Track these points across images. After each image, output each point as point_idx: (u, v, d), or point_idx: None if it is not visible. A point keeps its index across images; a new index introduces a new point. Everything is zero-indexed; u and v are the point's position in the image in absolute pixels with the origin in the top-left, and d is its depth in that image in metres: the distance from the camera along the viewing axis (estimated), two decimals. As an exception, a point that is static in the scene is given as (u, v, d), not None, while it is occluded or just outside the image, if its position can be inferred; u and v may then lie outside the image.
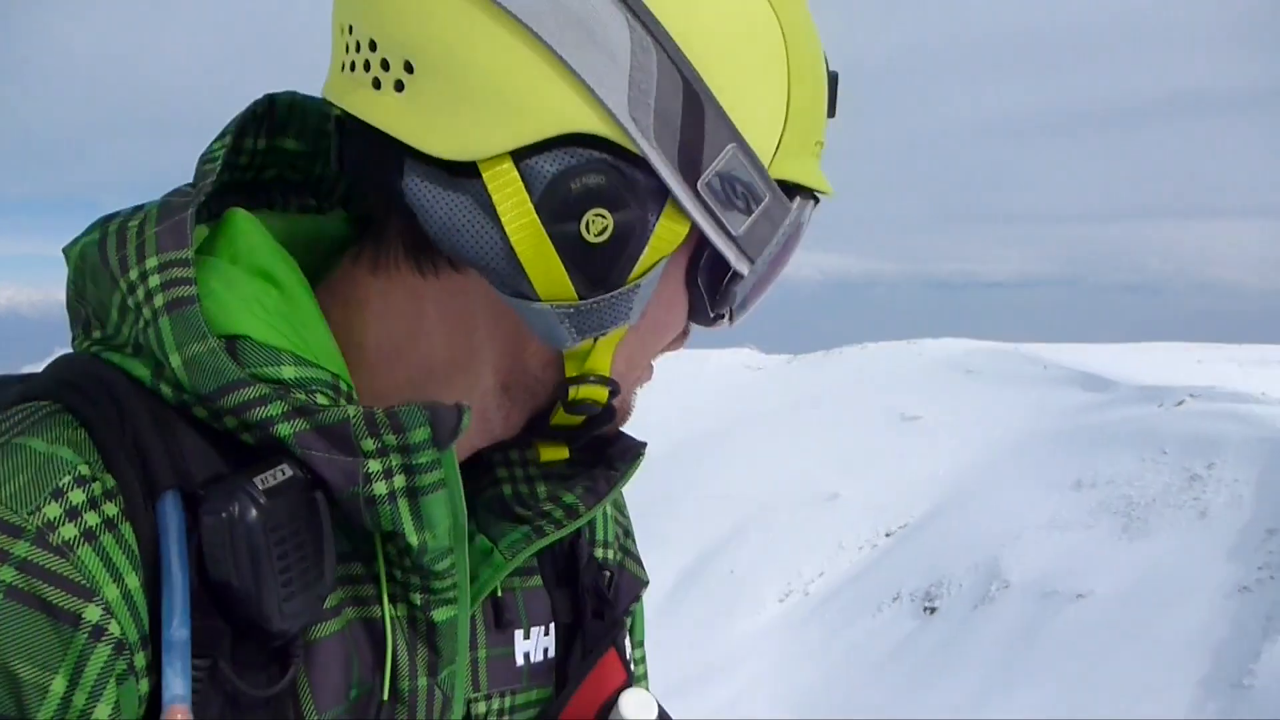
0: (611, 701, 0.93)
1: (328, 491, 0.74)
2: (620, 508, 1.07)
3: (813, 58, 0.82)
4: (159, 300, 0.73)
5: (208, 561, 0.70)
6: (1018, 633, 27.66)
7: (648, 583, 1.07)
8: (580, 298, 0.78)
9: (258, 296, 0.77)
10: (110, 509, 0.70)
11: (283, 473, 0.73)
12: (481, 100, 0.74)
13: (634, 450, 0.94)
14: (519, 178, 0.75)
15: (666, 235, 0.78)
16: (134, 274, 0.75)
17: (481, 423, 0.85)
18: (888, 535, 36.79)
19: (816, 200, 0.86)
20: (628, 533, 1.08)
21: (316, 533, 0.73)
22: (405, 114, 0.75)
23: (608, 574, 1.00)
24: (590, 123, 0.74)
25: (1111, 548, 29.24)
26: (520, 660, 0.92)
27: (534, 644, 0.93)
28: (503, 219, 0.75)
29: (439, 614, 0.80)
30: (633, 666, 0.99)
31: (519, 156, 0.75)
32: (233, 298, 0.76)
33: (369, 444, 0.74)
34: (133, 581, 0.69)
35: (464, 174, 0.75)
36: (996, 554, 31.01)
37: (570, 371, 0.83)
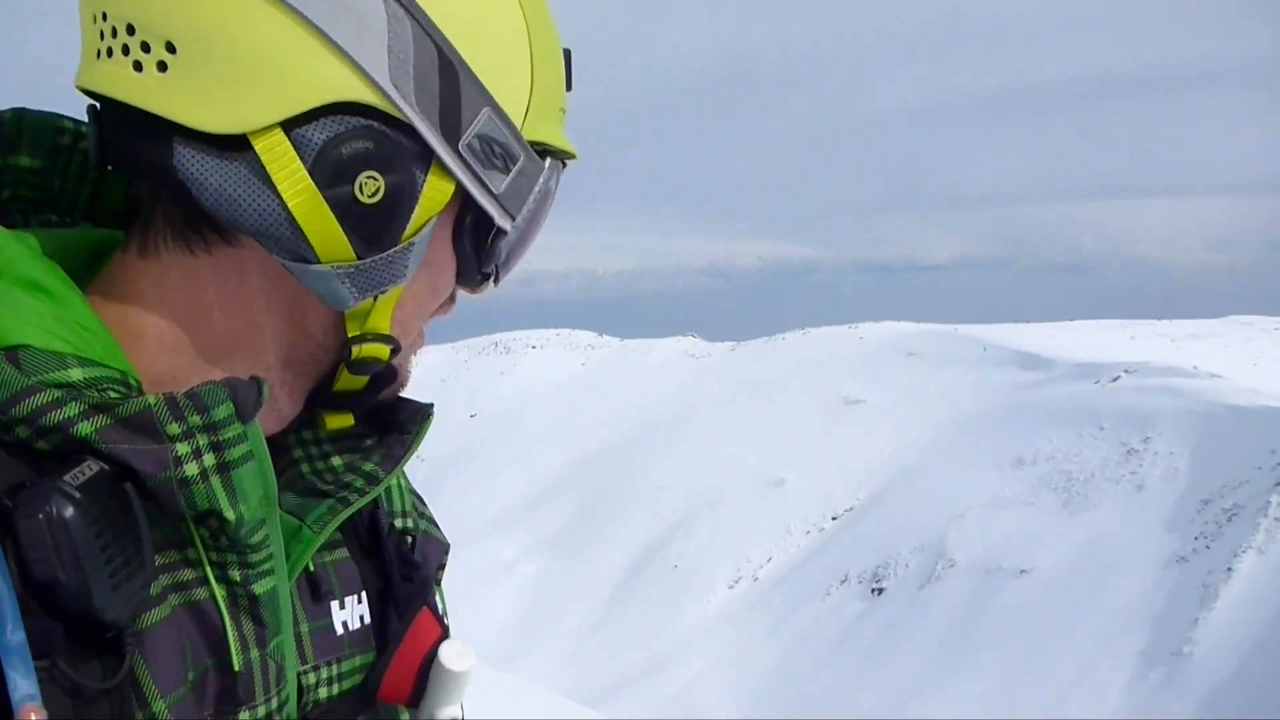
0: (432, 655, 0.96)
1: (137, 481, 0.74)
2: (405, 480, 1.12)
3: (549, 33, 0.88)
4: None
5: (31, 563, 0.68)
6: (964, 610, 28.06)
7: (449, 546, 1.12)
8: (359, 257, 0.80)
9: (29, 305, 0.76)
10: None
11: (90, 469, 0.72)
12: (247, 75, 0.75)
13: (422, 411, 0.96)
14: (291, 147, 0.76)
15: (434, 194, 0.81)
16: None
17: (268, 404, 0.85)
18: (834, 519, 37.14)
19: (564, 163, 0.91)
20: (421, 500, 1.12)
21: (132, 523, 0.73)
22: (171, 93, 0.76)
23: (410, 539, 1.04)
24: (355, 90, 0.77)
25: (1052, 523, 29.75)
26: (340, 629, 0.93)
27: (350, 613, 0.95)
28: (279, 186, 0.76)
29: (259, 586, 0.80)
30: (446, 622, 1.02)
31: (289, 126, 0.76)
32: (3, 310, 0.75)
33: (174, 428, 0.74)
34: None
35: (235, 147, 0.76)
36: (942, 534, 31.43)
37: (352, 331, 0.85)
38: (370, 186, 0.78)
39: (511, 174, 0.84)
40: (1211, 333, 47.42)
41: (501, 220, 0.85)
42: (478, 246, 0.87)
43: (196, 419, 0.74)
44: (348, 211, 0.78)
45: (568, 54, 0.92)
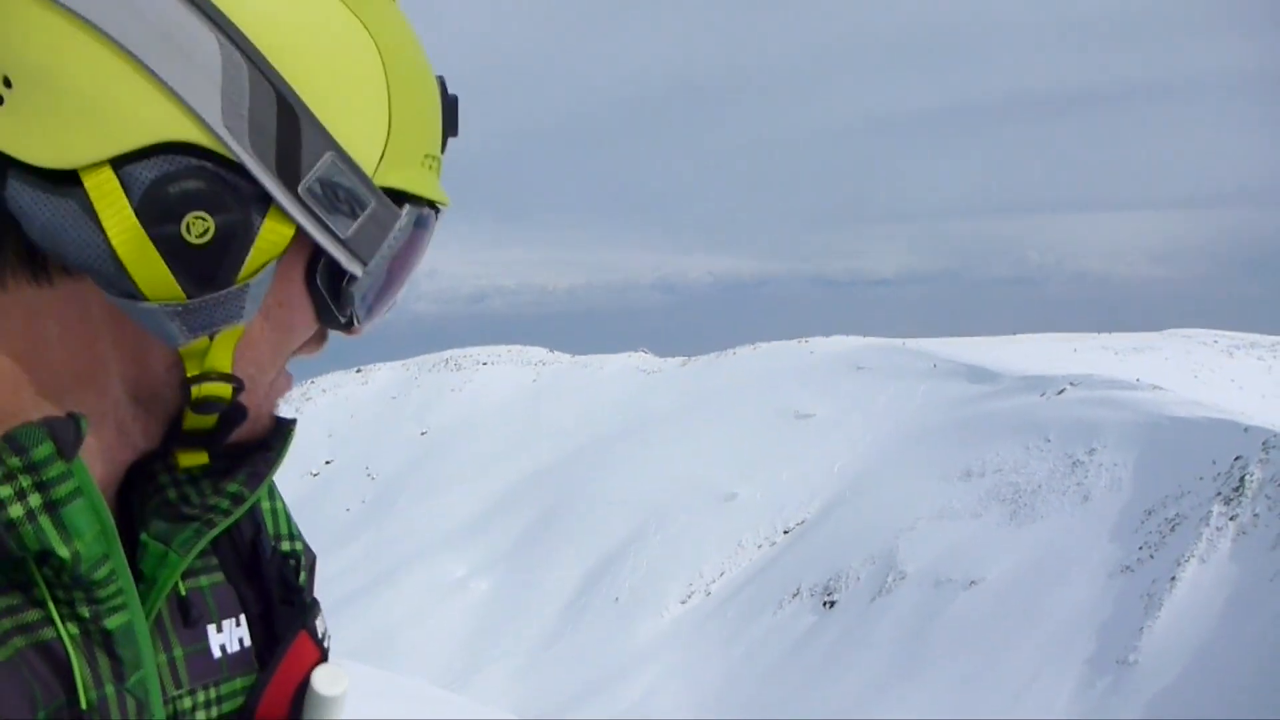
0: (308, 678, 0.98)
1: None
2: (283, 503, 1.13)
3: (416, 74, 0.87)
4: None
5: None
6: (915, 622, 28.26)
7: (315, 556, 1.13)
8: (188, 297, 0.79)
9: None
10: None
11: None
12: (78, 111, 0.76)
13: (285, 429, 0.97)
14: (119, 185, 0.76)
15: (272, 237, 0.81)
16: None
17: (121, 436, 0.86)
18: (786, 532, 37.28)
19: (436, 211, 0.91)
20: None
21: None
22: (5, 126, 0.77)
23: (293, 562, 1.05)
24: (185, 131, 0.77)
25: (1000, 535, 30.07)
26: (217, 653, 0.95)
27: (228, 636, 0.96)
28: (104, 223, 0.76)
29: (111, 621, 0.82)
30: (326, 644, 1.03)
31: (118, 164, 0.76)
32: None
33: None
34: None
35: (67, 183, 0.76)
36: (892, 546, 31.64)
37: (191, 370, 0.85)
38: (199, 227, 0.77)
39: (360, 219, 0.83)
40: (1153, 345, 48.23)
41: (350, 265, 0.84)
42: (333, 290, 0.86)
43: (15, 461, 0.75)
44: (174, 251, 0.77)
45: (452, 101, 0.92)
